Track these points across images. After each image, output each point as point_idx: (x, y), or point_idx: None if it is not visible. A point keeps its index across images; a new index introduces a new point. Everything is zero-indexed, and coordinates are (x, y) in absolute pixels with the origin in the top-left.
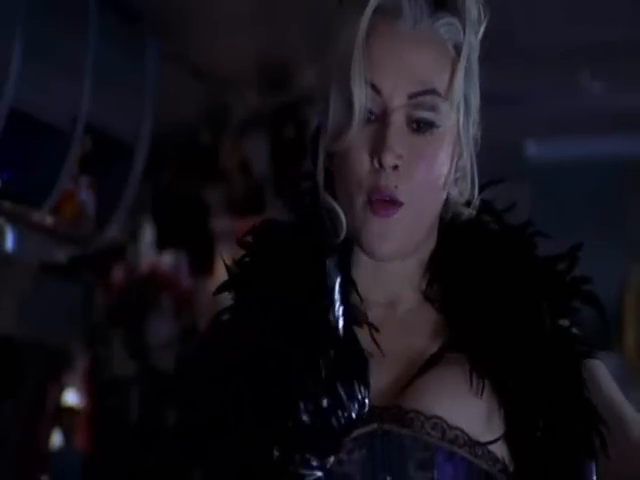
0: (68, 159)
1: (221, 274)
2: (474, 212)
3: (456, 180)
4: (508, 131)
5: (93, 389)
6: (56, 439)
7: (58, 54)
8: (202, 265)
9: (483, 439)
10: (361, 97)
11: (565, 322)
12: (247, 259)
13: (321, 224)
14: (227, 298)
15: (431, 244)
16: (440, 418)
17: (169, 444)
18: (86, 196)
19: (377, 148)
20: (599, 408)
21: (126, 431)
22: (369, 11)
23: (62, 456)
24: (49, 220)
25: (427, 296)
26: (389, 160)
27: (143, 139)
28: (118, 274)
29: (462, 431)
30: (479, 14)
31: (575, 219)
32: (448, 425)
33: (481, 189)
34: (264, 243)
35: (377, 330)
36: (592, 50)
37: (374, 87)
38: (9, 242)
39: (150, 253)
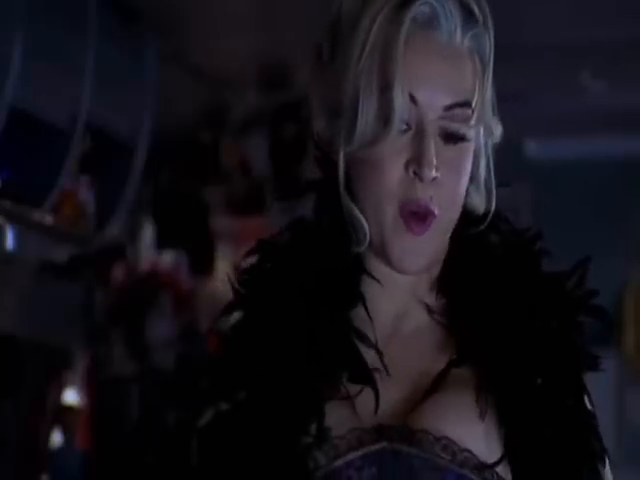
0: (68, 158)
1: (221, 274)
2: (485, 225)
3: (468, 192)
4: (508, 131)
5: (93, 388)
6: (56, 438)
7: (58, 54)
8: (202, 264)
9: (490, 461)
10: (402, 108)
11: (570, 335)
12: (250, 279)
13: (331, 241)
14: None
15: (443, 257)
16: (449, 439)
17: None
18: (86, 195)
19: (415, 159)
20: None
21: (126, 430)
22: (408, 22)
23: (62, 455)
24: (49, 219)
25: (434, 312)
26: (430, 173)
27: (143, 138)
28: (118, 273)
29: (471, 453)
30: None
31: (576, 219)
32: (458, 447)
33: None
34: (267, 263)
35: (381, 354)
36: (593, 50)
37: (412, 98)
38: (9, 241)
39: (150, 252)
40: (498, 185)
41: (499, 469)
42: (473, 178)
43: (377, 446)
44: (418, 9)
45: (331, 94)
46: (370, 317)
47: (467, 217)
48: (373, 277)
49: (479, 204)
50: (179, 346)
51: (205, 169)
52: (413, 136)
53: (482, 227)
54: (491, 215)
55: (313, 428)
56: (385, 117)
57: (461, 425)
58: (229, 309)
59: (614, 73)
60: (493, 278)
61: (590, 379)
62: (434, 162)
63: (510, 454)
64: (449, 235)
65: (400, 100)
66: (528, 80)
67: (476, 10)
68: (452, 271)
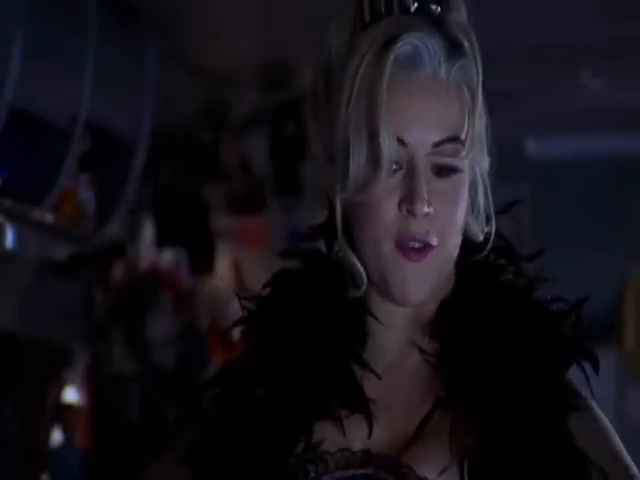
0: (68, 157)
1: (221, 273)
2: (488, 253)
3: (467, 220)
4: (508, 129)
5: (93, 387)
6: (56, 437)
7: (58, 53)
8: (202, 263)
9: None
10: (390, 152)
11: (560, 374)
12: (262, 309)
13: (338, 278)
14: (230, 299)
15: (447, 291)
16: None
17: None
18: (86, 194)
19: (407, 197)
20: (602, 461)
21: (126, 429)
22: (390, 65)
23: (62, 454)
24: (49, 218)
25: (427, 354)
26: (422, 209)
27: (143, 137)
28: (118, 272)
29: None
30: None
31: (575, 217)
32: None
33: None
34: (280, 294)
35: (379, 377)
36: (593, 48)
37: (400, 141)
38: (9, 240)
39: (150, 251)
40: (497, 212)
41: None
42: (472, 206)
43: (363, 471)
44: (400, 50)
45: (327, 137)
46: (369, 356)
47: (468, 245)
48: (376, 318)
49: (478, 231)
50: (179, 345)
51: (205, 168)
52: (404, 175)
53: (484, 254)
54: (492, 241)
55: (301, 445)
56: (375, 161)
57: (442, 470)
58: (243, 339)
59: (613, 72)
60: (489, 319)
61: (591, 377)
62: (425, 197)
63: None
64: (451, 266)
65: (387, 145)
66: (528, 79)
67: (464, 42)
68: (447, 315)
